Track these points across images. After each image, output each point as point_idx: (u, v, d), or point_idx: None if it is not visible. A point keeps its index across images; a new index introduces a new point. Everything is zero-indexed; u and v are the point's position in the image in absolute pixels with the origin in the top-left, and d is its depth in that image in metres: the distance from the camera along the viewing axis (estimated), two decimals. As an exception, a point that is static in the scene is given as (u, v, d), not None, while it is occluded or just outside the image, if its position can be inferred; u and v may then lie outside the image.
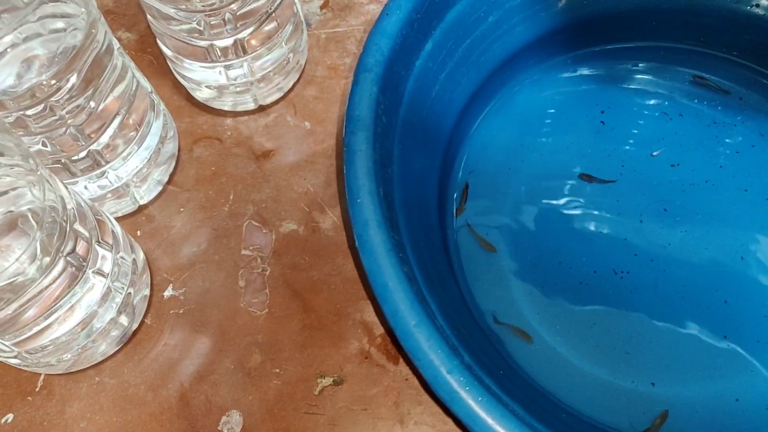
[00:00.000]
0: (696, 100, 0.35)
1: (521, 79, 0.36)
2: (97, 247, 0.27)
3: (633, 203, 0.33)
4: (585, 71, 0.37)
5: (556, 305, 0.31)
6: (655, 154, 0.34)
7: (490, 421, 0.21)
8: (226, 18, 0.30)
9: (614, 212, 0.33)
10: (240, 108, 0.37)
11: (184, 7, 0.29)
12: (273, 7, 0.32)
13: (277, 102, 0.38)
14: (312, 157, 0.36)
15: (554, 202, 0.33)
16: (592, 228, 0.32)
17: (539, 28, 0.35)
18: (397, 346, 0.30)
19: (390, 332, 0.30)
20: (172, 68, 0.36)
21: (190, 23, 0.30)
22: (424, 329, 0.22)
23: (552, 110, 0.36)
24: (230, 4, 0.29)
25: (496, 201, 0.33)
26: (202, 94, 0.37)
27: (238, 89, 0.35)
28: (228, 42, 0.32)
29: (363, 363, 0.31)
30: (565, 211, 0.33)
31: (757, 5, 0.33)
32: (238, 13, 0.30)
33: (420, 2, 0.28)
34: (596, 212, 0.33)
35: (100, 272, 0.27)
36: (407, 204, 0.27)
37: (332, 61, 0.39)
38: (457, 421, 0.22)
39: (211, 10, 0.29)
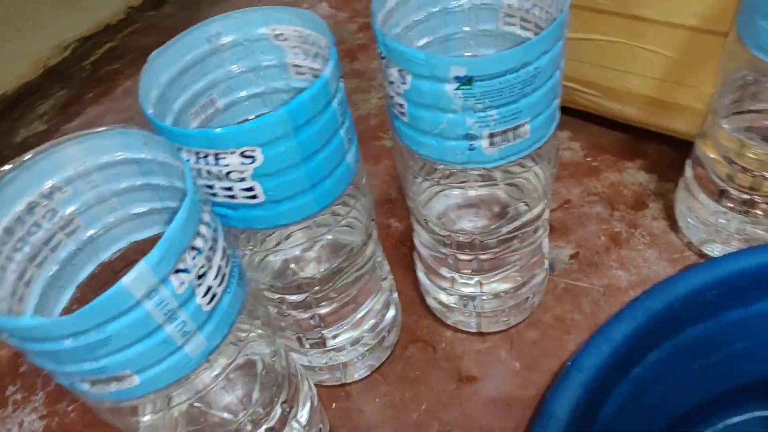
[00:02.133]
0: None
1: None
2: (293, 423, 0.30)
3: None
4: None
5: None
6: None
7: None
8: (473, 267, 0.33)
9: None
10: (461, 326, 0.40)
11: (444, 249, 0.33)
12: (521, 258, 0.34)
13: (497, 333, 0.39)
14: (510, 399, 0.36)
15: None
16: None
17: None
18: None
19: None
20: (416, 268, 0.40)
21: (444, 256, 0.34)
22: None
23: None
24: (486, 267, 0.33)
25: None
26: (430, 302, 0.40)
27: (464, 313, 0.38)
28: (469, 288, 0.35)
29: None
30: None
31: None
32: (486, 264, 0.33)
33: (652, 321, 0.28)
34: None
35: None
36: None
37: (562, 313, 0.40)
38: None
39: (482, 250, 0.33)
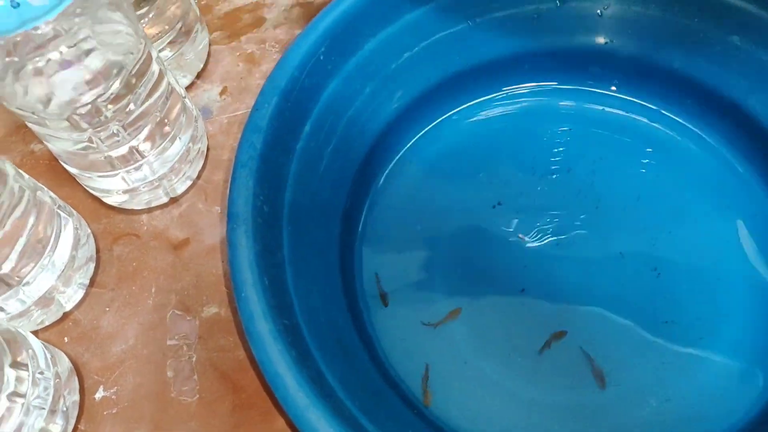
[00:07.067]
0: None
1: (412, 135, 0.38)
2: (11, 370, 0.28)
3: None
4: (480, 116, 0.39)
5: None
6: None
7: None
8: (115, 130, 0.32)
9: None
10: (154, 204, 0.39)
11: (67, 131, 0.31)
12: (161, 111, 0.34)
13: (187, 191, 0.40)
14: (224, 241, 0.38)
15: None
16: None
17: (422, 87, 0.37)
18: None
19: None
20: (79, 182, 0.38)
21: (82, 141, 0.32)
22: (315, 410, 0.23)
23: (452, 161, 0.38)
24: (115, 118, 0.31)
25: (400, 264, 0.35)
26: (112, 200, 0.38)
27: (146, 188, 0.37)
28: (124, 150, 0.33)
29: (294, 434, 0.32)
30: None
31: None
32: (125, 124, 0.32)
33: (288, 92, 0.30)
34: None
35: (15, 394, 0.28)
36: (302, 284, 0.29)
37: (236, 143, 0.41)
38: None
39: (98, 127, 0.31)
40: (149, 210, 0.39)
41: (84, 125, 0.30)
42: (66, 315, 0.36)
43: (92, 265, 0.37)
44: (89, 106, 0.30)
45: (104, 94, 0.30)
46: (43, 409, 0.30)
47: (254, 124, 0.29)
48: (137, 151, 0.34)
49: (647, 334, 0.32)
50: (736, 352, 0.31)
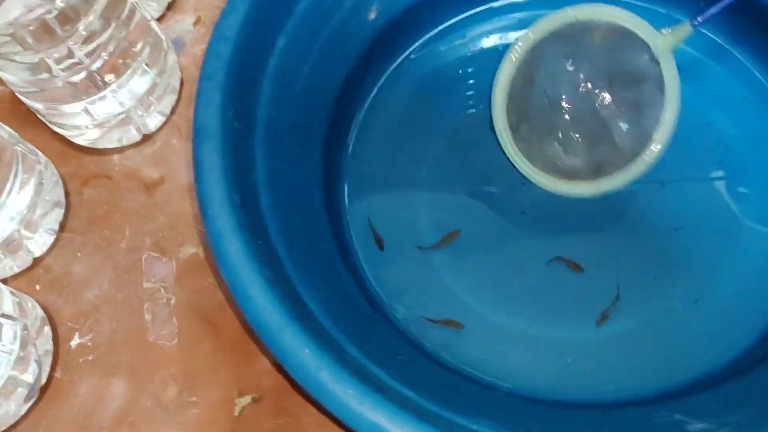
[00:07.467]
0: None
1: (399, 55, 0.35)
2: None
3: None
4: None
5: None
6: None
7: (366, 413, 0.20)
8: (69, 53, 0.29)
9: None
10: (126, 142, 0.36)
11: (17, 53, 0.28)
12: (122, 32, 0.31)
13: (161, 127, 0.37)
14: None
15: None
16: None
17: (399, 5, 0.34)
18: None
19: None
20: (45, 121, 0.35)
21: (35, 64, 0.29)
22: (290, 330, 0.21)
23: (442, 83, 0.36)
24: (67, 38, 0.28)
25: (390, 190, 0.33)
26: (82, 139, 0.35)
27: (115, 122, 0.34)
28: (82, 75, 0.31)
29: (279, 375, 0.30)
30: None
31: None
32: (81, 45, 0.29)
33: (258, 1, 0.27)
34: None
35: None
36: (280, 207, 0.26)
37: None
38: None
39: (50, 47, 0.28)
40: (121, 149, 0.37)
41: (32, 42, 0.27)
42: (36, 261, 0.34)
43: (61, 210, 0.35)
44: (36, 21, 0.27)
45: (52, 9, 0.27)
46: (9, 354, 0.28)
47: (221, 33, 0.27)
48: (100, 79, 0.31)
49: (662, 244, 0.30)
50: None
